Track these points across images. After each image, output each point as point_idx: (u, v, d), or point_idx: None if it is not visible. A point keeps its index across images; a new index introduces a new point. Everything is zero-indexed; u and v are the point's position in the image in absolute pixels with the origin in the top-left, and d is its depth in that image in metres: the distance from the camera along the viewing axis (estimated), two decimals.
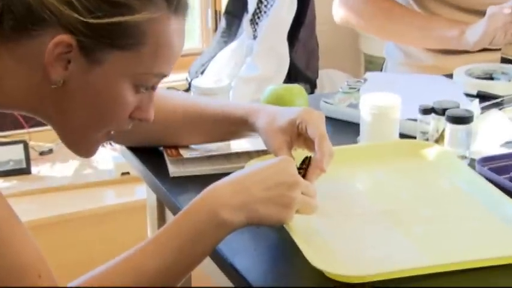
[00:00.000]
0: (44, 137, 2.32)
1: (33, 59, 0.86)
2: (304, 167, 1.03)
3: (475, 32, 1.49)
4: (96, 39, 0.85)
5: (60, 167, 2.22)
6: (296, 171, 0.93)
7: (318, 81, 2.53)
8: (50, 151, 2.28)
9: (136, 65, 0.88)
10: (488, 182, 1.06)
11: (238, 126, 1.12)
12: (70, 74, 0.87)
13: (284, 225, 0.95)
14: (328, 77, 2.65)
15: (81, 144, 0.94)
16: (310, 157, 1.03)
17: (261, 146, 1.18)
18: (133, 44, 0.86)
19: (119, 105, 0.90)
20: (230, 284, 0.94)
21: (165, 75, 0.92)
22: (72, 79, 0.87)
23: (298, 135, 1.05)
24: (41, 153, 2.27)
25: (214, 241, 0.89)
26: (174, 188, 1.11)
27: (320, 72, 2.55)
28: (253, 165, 0.94)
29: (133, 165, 1.22)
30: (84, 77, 0.87)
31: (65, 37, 0.84)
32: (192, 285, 1.36)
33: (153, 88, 0.93)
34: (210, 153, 1.17)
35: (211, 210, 0.88)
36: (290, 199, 0.90)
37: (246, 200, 0.88)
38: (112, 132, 0.95)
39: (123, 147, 1.23)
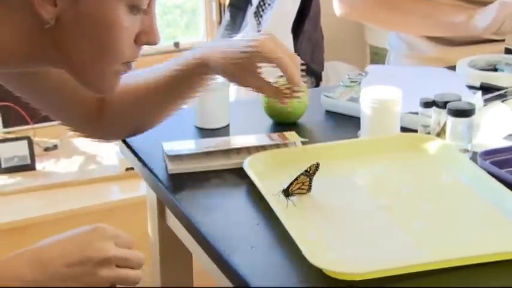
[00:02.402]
0: (48, 133, 2.32)
1: (20, 3, 0.85)
2: (311, 172, 1.03)
3: (484, 17, 1.47)
4: None
5: (65, 162, 2.22)
6: (107, 245, 0.81)
7: (323, 74, 2.51)
8: (55, 147, 2.28)
9: None
10: (490, 176, 1.05)
11: (201, 72, 1.09)
12: (60, 9, 0.85)
13: (281, 221, 0.95)
14: (333, 69, 2.63)
15: (99, 81, 0.92)
16: (317, 164, 1.04)
17: (261, 142, 1.17)
18: None
19: (118, 30, 0.88)
20: (228, 282, 0.94)
21: None
22: (63, 14, 0.86)
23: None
24: (46, 149, 2.27)
25: None
26: (172, 185, 1.10)
27: (325, 64, 2.53)
28: (58, 235, 0.82)
29: (132, 162, 1.21)
30: (74, 9, 0.85)
31: None
32: (194, 284, 1.35)
33: (150, 8, 0.91)
34: (208, 149, 1.16)
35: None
36: (97, 278, 0.81)
37: (42, 275, 0.79)
38: (127, 63, 0.92)
39: (122, 144, 1.23)
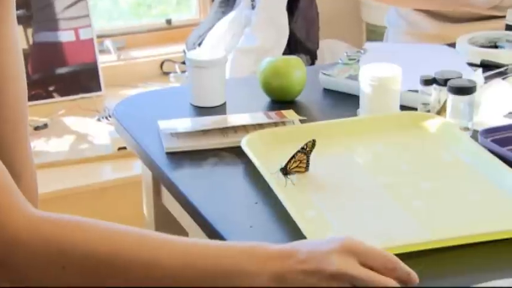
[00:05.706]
0: (38, 111, 2.29)
1: None
2: (308, 150, 1.01)
3: None
4: None
5: (56, 142, 2.19)
6: (346, 260, 0.75)
7: (318, 52, 2.50)
8: (45, 126, 2.25)
9: None
10: (491, 154, 1.04)
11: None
12: None
13: (280, 200, 0.93)
14: (329, 47, 2.61)
15: None
16: (314, 141, 1.02)
17: (258, 120, 1.16)
18: None
19: None
20: None
21: None
22: None
23: None
24: (36, 128, 2.24)
25: None
26: (169, 163, 1.08)
27: (321, 42, 2.51)
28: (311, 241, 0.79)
29: (127, 140, 1.19)
30: None
31: None
32: None
33: None
34: (205, 128, 1.14)
35: None
36: None
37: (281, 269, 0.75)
38: None
39: (117, 123, 1.21)
